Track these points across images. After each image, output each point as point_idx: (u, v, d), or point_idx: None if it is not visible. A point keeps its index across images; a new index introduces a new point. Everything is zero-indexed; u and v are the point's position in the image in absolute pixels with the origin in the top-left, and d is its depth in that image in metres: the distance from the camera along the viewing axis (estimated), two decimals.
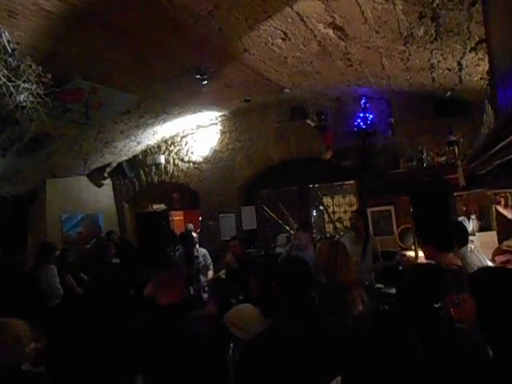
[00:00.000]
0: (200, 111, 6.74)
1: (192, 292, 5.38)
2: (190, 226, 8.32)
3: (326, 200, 7.84)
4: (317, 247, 3.24)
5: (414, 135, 5.98)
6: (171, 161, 7.96)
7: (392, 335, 1.31)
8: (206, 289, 5.63)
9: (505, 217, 3.80)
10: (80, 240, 7.32)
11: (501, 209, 3.77)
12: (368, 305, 2.59)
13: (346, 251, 2.87)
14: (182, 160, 7.85)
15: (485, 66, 3.62)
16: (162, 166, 8.01)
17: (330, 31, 3.52)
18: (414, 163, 5.57)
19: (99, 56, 3.98)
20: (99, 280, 1.98)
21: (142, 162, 8.18)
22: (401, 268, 5.14)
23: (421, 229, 4.62)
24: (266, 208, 7.88)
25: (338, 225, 7.66)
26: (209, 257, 5.75)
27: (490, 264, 3.07)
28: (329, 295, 2.48)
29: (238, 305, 2.74)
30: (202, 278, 5.55)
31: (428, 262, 3.09)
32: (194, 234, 5.77)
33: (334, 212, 7.61)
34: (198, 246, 5.73)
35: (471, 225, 5.17)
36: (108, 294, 1.90)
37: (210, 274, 5.69)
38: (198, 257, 5.61)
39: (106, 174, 8.20)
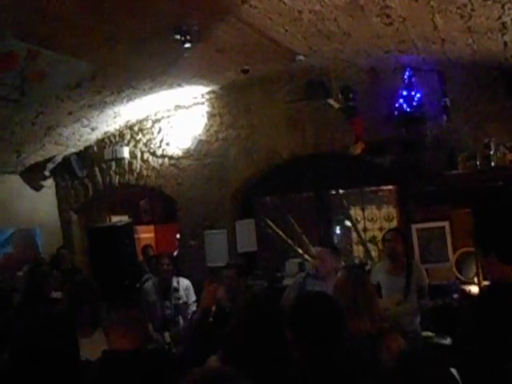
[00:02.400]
0: (179, 86, 6.76)
1: (168, 340, 5.34)
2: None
3: (355, 212, 7.85)
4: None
5: (479, 123, 6.00)
6: (138, 155, 7.97)
7: None
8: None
9: None
10: (9, 264, 7.30)
11: None
12: None
13: (367, 284, 2.90)
14: (154, 154, 7.86)
15: None
16: (126, 163, 8.02)
17: None
18: (478, 162, 5.59)
19: (41, 9, 4.00)
20: (32, 331, 1.98)
21: (98, 156, 8.18)
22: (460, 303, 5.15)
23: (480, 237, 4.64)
24: (269, 222, 7.88)
25: (372, 247, 7.67)
26: (193, 292, 5.74)
27: None
28: (354, 347, 2.48)
29: None
30: (182, 321, 5.53)
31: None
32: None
33: (365, 229, 7.62)
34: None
35: None
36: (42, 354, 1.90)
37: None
38: (177, 290, 5.61)
39: (47, 173, 8.19)
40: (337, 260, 4.68)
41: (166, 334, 5.32)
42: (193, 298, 5.74)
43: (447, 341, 4.82)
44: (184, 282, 5.75)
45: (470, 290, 5.67)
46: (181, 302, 5.59)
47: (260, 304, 2.44)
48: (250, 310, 2.41)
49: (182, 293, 5.64)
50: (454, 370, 1.79)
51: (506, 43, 4.69)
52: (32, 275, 6.10)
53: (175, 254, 8.10)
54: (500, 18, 4.04)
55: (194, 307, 5.67)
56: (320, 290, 4.07)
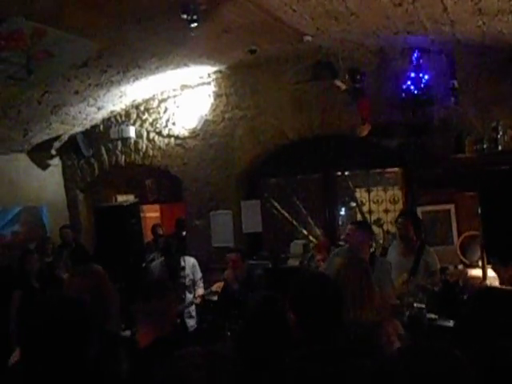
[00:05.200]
0: (186, 65, 6.74)
1: None
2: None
3: (361, 194, 7.84)
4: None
5: (487, 105, 5.96)
6: (144, 134, 7.98)
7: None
8: (193, 312, 5.72)
9: None
10: (16, 243, 7.38)
11: None
12: (407, 340, 2.64)
13: (366, 276, 2.91)
14: (160, 133, 7.87)
15: None
16: (132, 142, 8.04)
17: None
18: (486, 145, 5.57)
19: None
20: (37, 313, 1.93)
21: (104, 135, 8.20)
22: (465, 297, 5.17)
23: (498, 235, 4.66)
24: (275, 203, 7.89)
25: (376, 229, 7.67)
26: (199, 269, 5.85)
27: None
28: (354, 334, 2.52)
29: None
30: (189, 296, 5.64)
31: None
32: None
33: (370, 211, 7.62)
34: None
35: None
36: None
37: (200, 292, 5.79)
38: (184, 268, 5.70)
39: (53, 152, 8.22)
40: (365, 234, 4.68)
41: None
42: (199, 274, 5.85)
43: (450, 323, 4.85)
44: (190, 261, 5.86)
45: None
46: (187, 279, 5.70)
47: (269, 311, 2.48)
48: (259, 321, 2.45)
49: (188, 271, 5.75)
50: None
51: None
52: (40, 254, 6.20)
53: (183, 233, 8.15)
54: None
55: (200, 284, 5.78)
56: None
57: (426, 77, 6.15)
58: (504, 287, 3.19)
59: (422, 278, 4.86)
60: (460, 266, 5.96)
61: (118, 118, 8.11)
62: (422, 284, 4.85)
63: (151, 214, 9.68)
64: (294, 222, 7.84)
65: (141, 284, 2.71)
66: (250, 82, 7.27)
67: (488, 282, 5.07)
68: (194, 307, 5.73)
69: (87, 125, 8.00)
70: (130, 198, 8.54)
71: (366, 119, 6.32)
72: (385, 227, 7.48)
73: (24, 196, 7.77)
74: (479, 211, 5.32)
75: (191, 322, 5.67)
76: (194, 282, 5.78)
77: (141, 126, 8.00)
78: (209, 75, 7.40)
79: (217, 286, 5.77)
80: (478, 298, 2.32)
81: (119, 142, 8.12)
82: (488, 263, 5.12)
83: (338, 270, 2.93)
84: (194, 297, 5.73)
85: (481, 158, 5.56)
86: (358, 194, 7.92)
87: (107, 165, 8.27)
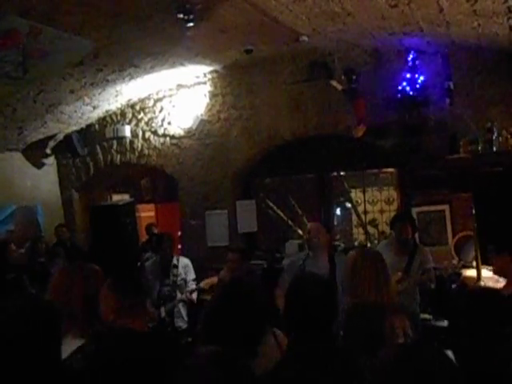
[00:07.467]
0: (182, 65, 6.74)
1: (163, 314, 5.47)
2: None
3: (356, 194, 7.87)
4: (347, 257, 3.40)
5: (482, 107, 5.99)
6: (140, 134, 7.98)
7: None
8: (183, 311, 5.72)
9: None
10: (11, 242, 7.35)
11: None
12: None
13: (381, 264, 2.98)
14: (155, 133, 7.87)
15: None
16: (127, 141, 8.03)
17: None
18: (480, 146, 5.59)
19: None
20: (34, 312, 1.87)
21: (99, 134, 8.19)
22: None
23: (492, 234, 4.69)
24: (270, 203, 7.91)
25: (371, 229, 7.70)
26: (192, 271, 5.86)
27: None
28: (357, 321, 2.54)
29: None
30: (179, 295, 5.65)
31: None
32: None
33: (365, 211, 7.64)
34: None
35: None
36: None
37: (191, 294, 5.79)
38: (176, 267, 5.73)
39: (48, 151, 8.21)
40: (328, 235, 4.81)
41: (162, 309, 5.48)
42: (192, 275, 5.86)
43: (444, 323, 4.87)
44: (183, 261, 5.91)
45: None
46: (179, 278, 5.73)
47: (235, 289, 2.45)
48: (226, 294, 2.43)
49: (180, 270, 5.78)
50: (449, 352, 1.83)
51: (511, 27, 4.66)
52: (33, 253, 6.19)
53: (179, 233, 8.14)
54: (506, 1, 4.02)
55: (193, 285, 5.79)
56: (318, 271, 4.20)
57: (422, 78, 6.18)
58: (496, 287, 3.22)
59: (415, 276, 4.88)
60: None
61: (114, 117, 8.11)
62: (421, 278, 4.87)
63: (146, 213, 9.67)
64: (290, 222, 7.86)
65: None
66: (245, 82, 7.28)
67: (482, 283, 5.09)
68: (183, 307, 5.74)
69: (82, 124, 7.99)
70: (125, 197, 8.55)
71: (361, 120, 6.33)
72: (380, 227, 7.51)
73: (18, 195, 7.75)
74: (473, 212, 5.37)
75: (180, 322, 5.70)
76: (185, 282, 5.79)
77: (136, 125, 8.00)
78: (205, 75, 7.41)
79: (205, 283, 5.78)
80: (471, 298, 2.34)
81: (114, 142, 8.11)
82: (483, 263, 5.14)
83: (355, 260, 3.03)
84: (184, 295, 5.74)
85: (475, 158, 5.57)
86: (353, 195, 7.96)
87: (102, 164, 8.27)
